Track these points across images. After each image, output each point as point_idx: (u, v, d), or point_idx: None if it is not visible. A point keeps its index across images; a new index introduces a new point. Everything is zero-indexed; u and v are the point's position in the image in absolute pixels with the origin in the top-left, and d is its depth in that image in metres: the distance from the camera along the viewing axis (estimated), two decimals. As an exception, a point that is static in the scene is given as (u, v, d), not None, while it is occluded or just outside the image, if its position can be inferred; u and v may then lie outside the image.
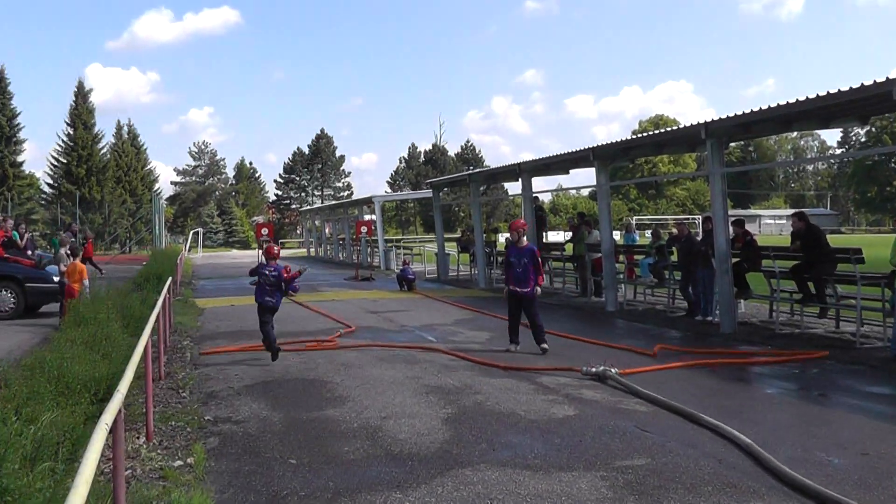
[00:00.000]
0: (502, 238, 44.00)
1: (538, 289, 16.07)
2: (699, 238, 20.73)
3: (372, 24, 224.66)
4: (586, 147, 23.63)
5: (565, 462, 8.38)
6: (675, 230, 22.30)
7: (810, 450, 8.91)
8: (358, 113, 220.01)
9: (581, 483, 7.69)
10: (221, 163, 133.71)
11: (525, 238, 16.42)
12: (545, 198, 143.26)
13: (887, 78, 13.37)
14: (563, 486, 7.61)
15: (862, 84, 13.93)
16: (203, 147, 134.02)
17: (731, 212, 20.10)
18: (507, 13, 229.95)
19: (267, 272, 15.37)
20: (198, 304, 25.80)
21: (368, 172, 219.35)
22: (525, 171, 28.47)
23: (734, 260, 19.00)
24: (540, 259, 16.27)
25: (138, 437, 9.41)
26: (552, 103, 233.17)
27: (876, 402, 11.62)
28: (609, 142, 23.23)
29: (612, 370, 12.90)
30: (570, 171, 30.22)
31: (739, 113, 17.29)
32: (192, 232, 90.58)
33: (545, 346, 15.74)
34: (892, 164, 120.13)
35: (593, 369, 13.10)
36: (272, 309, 15.30)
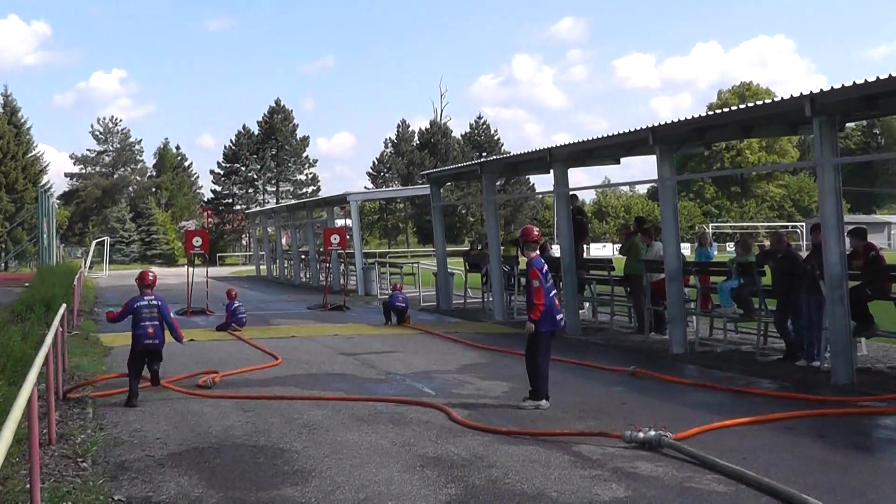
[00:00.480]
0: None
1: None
2: (804, 254, 20.67)
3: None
4: (644, 126, 23.37)
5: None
6: (767, 242, 22.30)
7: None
8: (328, 78, 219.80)
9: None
10: (136, 147, 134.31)
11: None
12: (586, 196, 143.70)
13: None
14: None
15: None
16: (111, 126, 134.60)
17: (847, 218, 20.12)
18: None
19: (144, 304, 16.75)
20: (103, 342, 25.83)
21: (342, 160, 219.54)
22: (558, 159, 28.29)
23: (852, 283, 18.95)
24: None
25: (20, 525, 9.44)
26: (597, 65, 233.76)
27: None
28: (676, 120, 22.94)
29: (667, 435, 12.84)
30: (622, 159, 30.31)
31: (861, 82, 17.02)
32: (94, 242, 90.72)
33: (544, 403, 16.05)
34: None
35: (640, 434, 12.98)
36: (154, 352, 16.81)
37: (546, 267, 16.40)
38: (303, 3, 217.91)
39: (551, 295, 16.16)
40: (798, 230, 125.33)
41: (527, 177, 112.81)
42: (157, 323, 16.59)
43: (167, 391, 17.69)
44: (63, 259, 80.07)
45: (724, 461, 11.54)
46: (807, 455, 12.55)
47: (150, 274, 18.27)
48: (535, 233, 17.34)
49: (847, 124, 21.21)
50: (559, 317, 16.41)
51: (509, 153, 47.32)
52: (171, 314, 18.36)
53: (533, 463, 12.04)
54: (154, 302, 16.65)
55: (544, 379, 16.14)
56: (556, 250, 36.31)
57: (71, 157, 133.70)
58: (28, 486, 9.66)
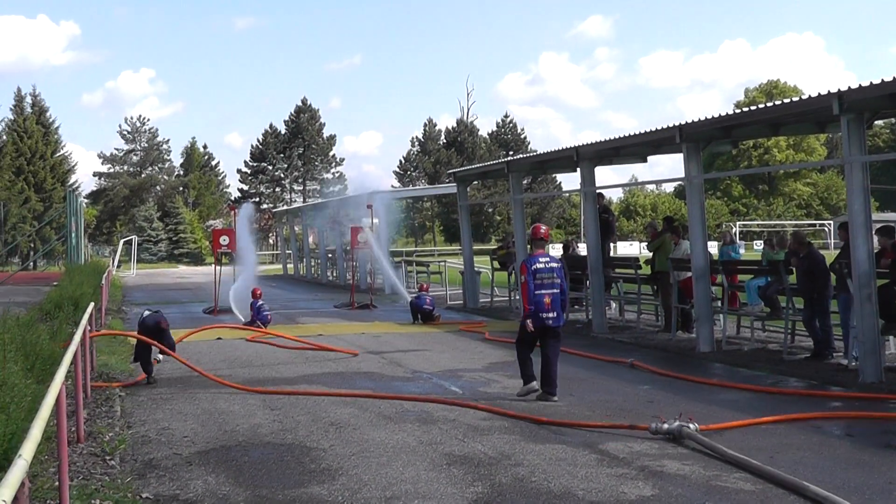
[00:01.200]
0: (555, 250, 43.95)
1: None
2: (837, 251, 20.52)
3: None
4: (672, 125, 23.32)
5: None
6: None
7: None
8: (355, 76, 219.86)
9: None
10: (164, 147, 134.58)
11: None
12: (613, 195, 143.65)
13: None
14: None
15: None
16: (138, 125, 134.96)
17: (876, 216, 20.05)
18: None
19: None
20: (130, 340, 25.90)
21: (369, 159, 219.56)
22: (585, 157, 28.25)
23: (881, 282, 18.90)
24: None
25: (49, 521, 9.47)
26: (624, 63, 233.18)
27: None
28: (703, 118, 22.83)
29: (691, 425, 13.05)
30: (649, 157, 30.24)
31: (889, 79, 16.89)
32: (122, 241, 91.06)
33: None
34: None
35: (665, 426, 13.25)
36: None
37: (540, 265, 16.71)
38: (330, 1, 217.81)
39: (538, 293, 16.44)
40: (826, 228, 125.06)
41: (553, 175, 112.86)
42: None
43: (195, 390, 17.77)
44: (91, 258, 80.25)
45: (751, 458, 11.52)
46: (834, 454, 12.52)
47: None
48: (543, 230, 17.61)
49: (875, 122, 21.11)
50: (545, 315, 16.50)
51: (536, 152, 47.37)
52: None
53: (560, 461, 12.04)
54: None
55: (534, 367, 16.72)
56: (582, 249, 36.24)
57: (99, 156, 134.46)
58: (57, 483, 9.70)
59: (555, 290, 16.59)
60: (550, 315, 16.58)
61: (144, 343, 19.14)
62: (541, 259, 16.87)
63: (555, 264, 16.93)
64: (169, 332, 19.60)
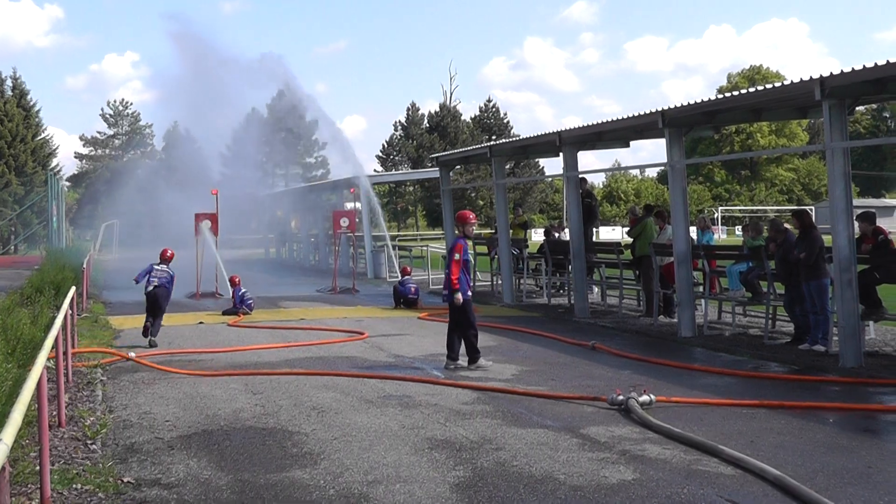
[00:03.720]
0: (537, 235, 44.00)
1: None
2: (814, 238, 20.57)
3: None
4: (654, 110, 23.35)
5: (620, 544, 8.42)
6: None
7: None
8: (340, 61, 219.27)
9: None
10: (147, 131, 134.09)
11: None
12: (596, 180, 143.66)
13: None
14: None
15: None
16: (121, 108, 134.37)
17: (857, 201, 20.11)
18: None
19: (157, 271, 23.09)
20: (112, 324, 25.91)
21: (353, 143, 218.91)
22: (568, 142, 28.20)
23: (861, 267, 19.00)
24: None
25: (30, 505, 9.46)
26: (609, 49, 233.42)
27: None
28: (686, 103, 22.88)
29: (643, 398, 14.04)
30: (632, 143, 30.29)
31: (871, 65, 16.99)
32: (104, 225, 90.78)
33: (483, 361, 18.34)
34: None
35: (620, 397, 14.05)
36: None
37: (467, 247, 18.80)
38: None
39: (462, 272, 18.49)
40: (811, 213, 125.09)
41: (536, 160, 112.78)
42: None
43: (176, 375, 17.80)
44: (72, 242, 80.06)
45: (728, 447, 11.56)
46: (814, 438, 12.58)
47: (169, 251, 24.25)
48: (472, 217, 19.23)
49: (857, 108, 21.13)
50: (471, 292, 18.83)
51: (519, 136, 47.34)
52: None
53: (541, 446, 12.07)
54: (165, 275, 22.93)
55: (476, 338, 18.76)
56: (565, 234, 36.26)
57: (81, 139, 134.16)
58: (38, 467, 9.69)
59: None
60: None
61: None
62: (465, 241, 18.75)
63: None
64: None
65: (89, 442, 12.42)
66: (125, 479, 10.61)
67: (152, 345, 21.88)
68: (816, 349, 19.63)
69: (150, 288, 22.70)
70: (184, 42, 74.44)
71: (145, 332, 22.38)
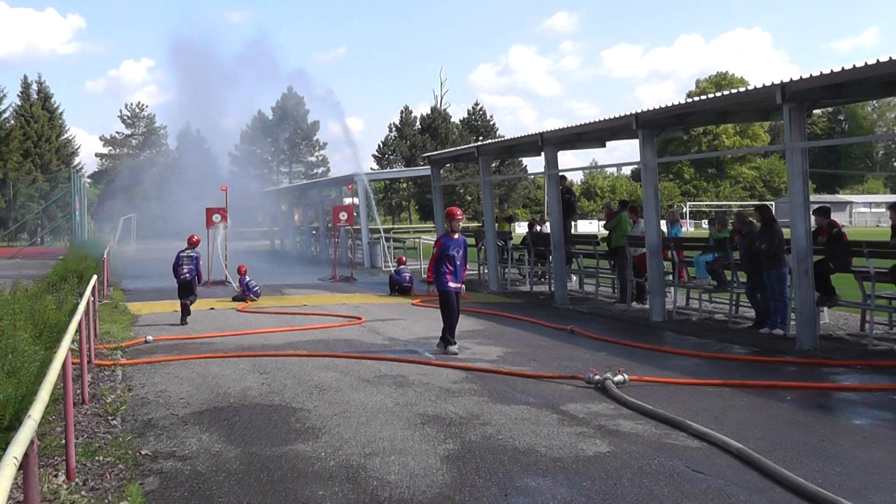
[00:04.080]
0: (520, 228, 44.02)
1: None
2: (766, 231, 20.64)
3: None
4: (629, 113, 23.40)
5: (597, 510, 8.45)
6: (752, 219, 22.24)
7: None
8: (340, 67, 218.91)
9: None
10: (161, 132, 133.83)
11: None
12: (575, 177, 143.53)
13: None
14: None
15: None
16: (137, 111, 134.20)
17: (813, 197, 20.19)
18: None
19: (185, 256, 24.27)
20: (131, 310, 25.90)
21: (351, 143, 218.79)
22: (549, 142, 28.23)
23: (817, 258, 19.09)
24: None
25: (56, 476, 9.47)
26: (587, 56, 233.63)
27: None
28: (658, 107, 22.94)
29: (617, 377, 14.19)
30: (608, 143, 30.29)
31: (827, 71, 17.08)
32: (123, 219, 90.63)
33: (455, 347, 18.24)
34: None
35: (596, 377, 14.25)
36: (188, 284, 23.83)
37: (451, 245, 18.56)
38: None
39: (455, 264, 18.39)
40: (771, 208, 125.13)
41: (520, 159, 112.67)
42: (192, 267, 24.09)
43: (190, 356, 17.82)
44: (93, 234, 79.93)
45: (696, 423, 11.60)
46: (774, 415, 12.63)
47: (195, 237, 25.77)
48: (459, 213, 19.02)
49: (814, 111, 21.22)
50: (454, 283, 18.48)
51: (504, 137, 47.28)
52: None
53: (524, 421, 12.11)
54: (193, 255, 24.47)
55: (451, 327, 18.37)
56: (547, 227, 36.31)
57: (101, 139, 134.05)
58: (63, 441, 9.72)
59: (455, 265, 18.45)
60: (455, 285, 18.46)
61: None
62: (449, 239, 18.60)
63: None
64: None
65: (110, 418, 12.43)
66: (143, 452, 10.63)
67: (184, 322, 23.19)
68: (776, 333, 19.71)
69: (183, 277, 23.84)
70: (190, 55, 74.46)
71: (184, 314, 23.53)
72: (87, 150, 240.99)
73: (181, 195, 68.32)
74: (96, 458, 10.23)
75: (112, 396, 13.87)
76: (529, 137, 29.80)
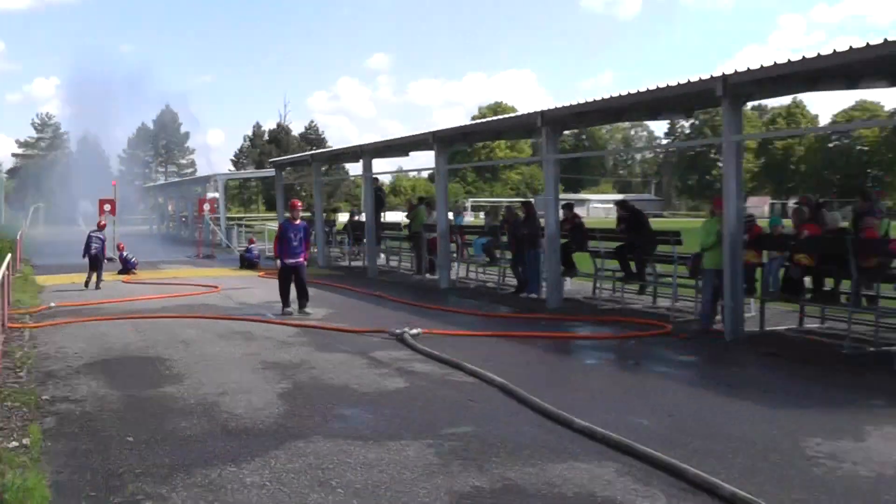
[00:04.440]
0: (342, 217, 43.92)
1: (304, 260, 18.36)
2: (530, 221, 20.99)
3: None
4: (427, 131, 23.68)
5: (395, 431, 8.50)
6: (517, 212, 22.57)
7: (623, 413, 9.33)
8: (207, 89, 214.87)
9: (409, 451, 7.83)
10: (65, 136, 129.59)
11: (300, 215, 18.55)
12: (385, 179, 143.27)
13: (711, 76, 13.97)
14: (392, 454, 7.73)
15: (689, 80, 14.49)
16: (46, 119, 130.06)
17: (562, 196, 20.59)
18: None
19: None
20: (38, 282, 24.99)
21: (215, 150, 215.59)
22: (366, 152, 28.15)
23: (563, 240, 19.50)
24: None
25: (-30, 417, 9.13)
26: (398, 87, 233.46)
27: (684, 369, 12.35)
28: (449, 126, 23.41)
29: (414, 331, 14.32)
30: (411, 153, 30.41)
31: (574, 103, 17.63)
32: (33, 207, 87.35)
33: (308, 310, 17.81)
34: (712, 155, 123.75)
35: (398, 330, 14.35)
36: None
37: (290, 229, 18.16)
38: (190, 30, 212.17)
39: (291, 245, 18.00)
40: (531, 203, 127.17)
41: (344, 164, 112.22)
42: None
43: (84, 319, 17.32)
44: (9, 220, 76.83)
45: (468, 363, 11.74)
46: (528, 357, 12.90)
47: (103, 221, 26.46)
48: (299, 204, 18.88)
49: (564, 132, 21.64)
50: (290, 260, 18.02)
51: (332, 147, 47.04)
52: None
53: (342, 364, 12.09)
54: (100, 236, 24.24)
55: (285, 295, 18.09)
56: (363, 217, 36.25)
57: (16, 142, 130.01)
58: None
59: (295, 243, 18.07)
60: (292, 259, 18.02)
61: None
62: (288, 224, 18.31)
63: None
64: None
65: (17, 371, 11.96)
66: (43, 398, 10.27)
67: (98, 287, 23.20)
68: (532, 297, 20.03)
69: (93, 252, 23.59)
70: (88, 79, 72.51)
71: (87, 285, 23.35)
72: (5, 150, 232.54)
73: (80, 188, 66.45)
74: (5, 403, 9.81)
75: (20, 353, 13.32)
76: (352, 148, 29.84)
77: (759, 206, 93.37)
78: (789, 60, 12.62)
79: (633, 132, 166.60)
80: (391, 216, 48.66)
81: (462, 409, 9.46)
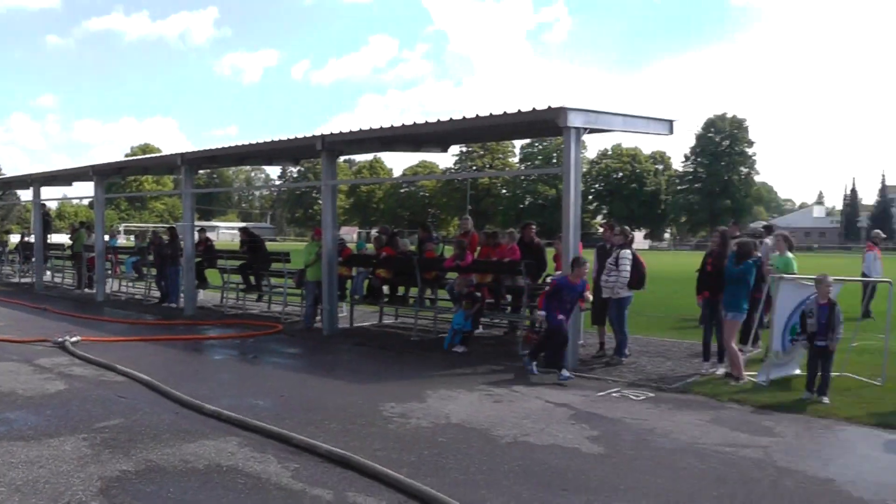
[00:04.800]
0: (14, 238, 39.88)
1: None
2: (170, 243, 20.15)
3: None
4: (87, 165, 21.98)
5: (54, 430, 7.77)
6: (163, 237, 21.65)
7: (244, 397, 9.26)
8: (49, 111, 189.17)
9: (66, 446, 7.20)
10: None
11: None
12: (52, 205, 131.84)
13: (313, 134, 14.58)
14: (52, 450, 7.06)
15: (296, 136, 15.04)
16: None
17: (197, 223, 20.17)
18: (32, 43, 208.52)
19: None
20: None
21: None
22: (36, 181, 25.51)
23: (197, 259, 19.04)
24: None
25: None
26: (64, 124, 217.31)
27: (292, 359, 12.52)
28: (106, 162, 22.21)
29: (73, 339, 13.09)
30: (74, 183, 28.13)
31: (207, 148, 17.52)
32: None
33: None
34: (314, 195, 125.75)
35: (60, 339, 13.11)
36: None
37: None
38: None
39: None
40: (176, 228, 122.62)
41: (16, 191, 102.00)
42: None
43: None
44: None
45: (121, 365, 11.03)
46: (169, 357, 12.47)
47: None
48: None
49: (200, 170, 21.36)
50: None
51: (5, 175, 42.41)
52: None
53: (9, 372, 10.73)
54: None
55: None
56: (33, 238, 33.08)
57: None
58: None
59: None
60: None
61: None
62: None
63: None
64: None
65: None
66: None
67: None
68: (172, 306, 19.24)
69: None
70: None
71: None
72: None
73: None
74: None
75: None
76: (23, 177, 26.84)
77: (350, 234, 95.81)
78: (371, 128, 13.37)
79: (253, 174, 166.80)
80: (57, 238, 44.75)
81: (113, 405, 8.88)
